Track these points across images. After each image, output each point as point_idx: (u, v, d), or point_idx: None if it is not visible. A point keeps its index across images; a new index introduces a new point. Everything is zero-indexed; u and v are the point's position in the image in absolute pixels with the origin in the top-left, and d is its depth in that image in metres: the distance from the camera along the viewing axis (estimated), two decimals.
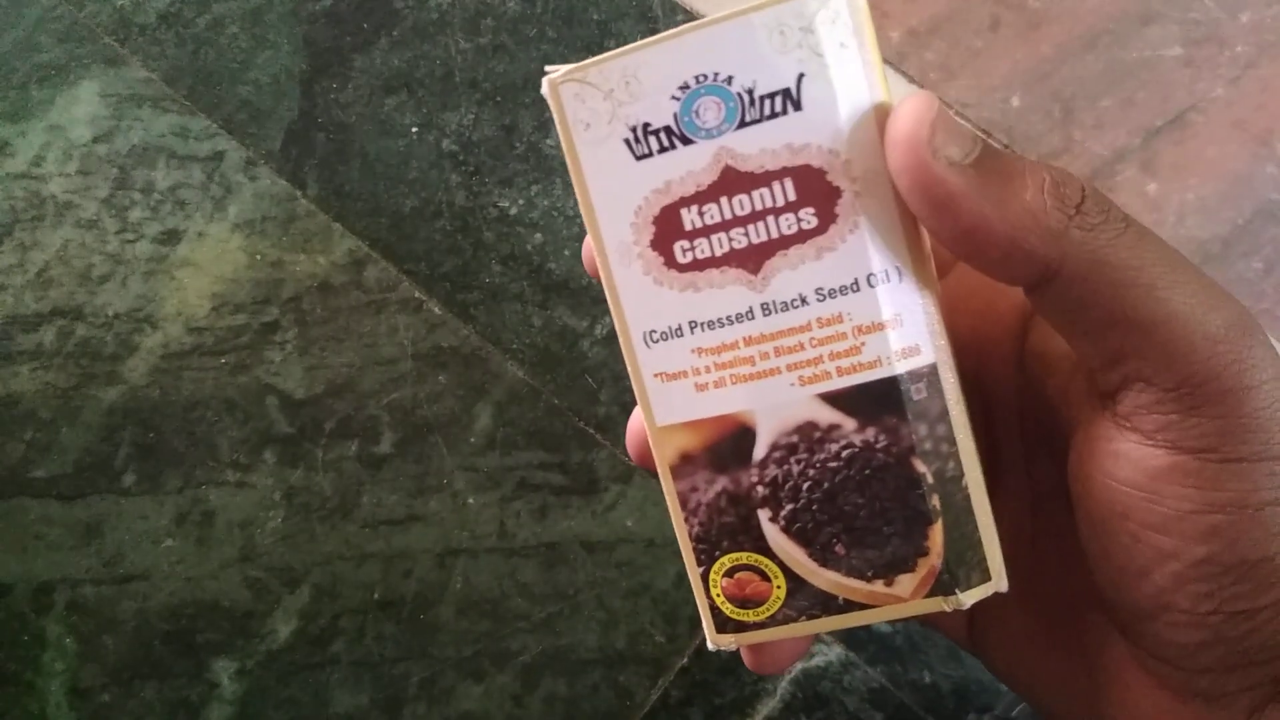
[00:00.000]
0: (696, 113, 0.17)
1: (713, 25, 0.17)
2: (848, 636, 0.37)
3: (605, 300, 0.41)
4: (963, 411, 0.18)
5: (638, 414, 0.20)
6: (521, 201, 0.42)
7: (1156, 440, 0.17)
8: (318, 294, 0.41)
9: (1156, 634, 0.18)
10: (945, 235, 0.17)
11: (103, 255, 0.42)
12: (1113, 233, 0.16)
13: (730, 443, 0.18)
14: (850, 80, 0.17)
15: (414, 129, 0.43)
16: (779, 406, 0.17)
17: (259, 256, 0.41)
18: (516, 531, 0.38)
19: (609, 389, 0.40)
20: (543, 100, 0.42)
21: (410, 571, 0.38)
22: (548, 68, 0.18)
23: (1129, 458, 0.17)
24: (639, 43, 0.17)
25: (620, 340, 0.18)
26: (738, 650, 0.20)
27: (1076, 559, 0.20)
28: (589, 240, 0.19)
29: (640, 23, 0.42)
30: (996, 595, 0.20)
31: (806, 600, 0.18)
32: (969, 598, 0.18)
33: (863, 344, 0.17)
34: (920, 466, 0.17)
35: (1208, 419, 0.16)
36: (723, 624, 0.18)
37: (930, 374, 0.17)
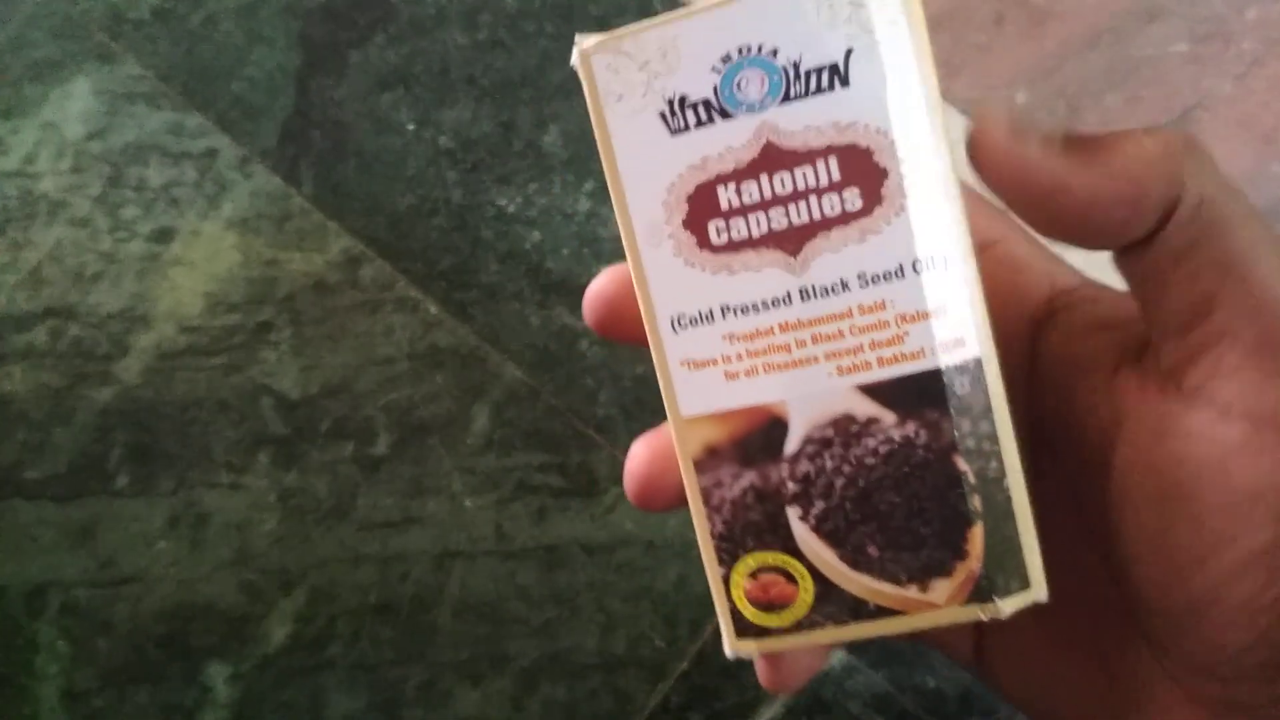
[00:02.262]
0: (738, 85, 0.16)
1: None
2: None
3: None
4: (1006, 408, 0.17)
5: (641, 451, 0.19)
6: (520, 199, 0.41)
7: (1232, 412, 0.16)
8: (313, 293, 0.41)
9: (1198, 635, 0.17)
10: (1060, 219, 0.17)
11: (96, 254, 0.41)
12: (1219, 178, 0.17)
13: (760, 435, 0.17)
14: (900, 59, 0.16)
15: (411, 126, 0.42)
16: (814, 397, 0.16)
17: (253, 255, 0.41)
18: (515, 534, 0.38)
19: (608, 390, 0.39)
20: (540, 97, 0.41)
21: (407, 574, 0.38)
22: (579, 36, 0.17)
23: (1199, 434, 0.17)
24: (676, 12, 0.17)
25: (645, 326, 0.17)
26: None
27: (1094, 570, 0.19)
28: (595, 284, 0.18)
29: (640, 17, 0.41)
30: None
31: (835, 605, 0.17)
32: (1008, 606, 0.16)
33: (906, 333, 0.16)
34: (962, 465, 0.16)
35: None
36: (744, 629, 0.17)
37: (975, 368, 0.17)
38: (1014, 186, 0.17)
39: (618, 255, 0.41)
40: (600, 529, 0.38)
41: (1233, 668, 0.17)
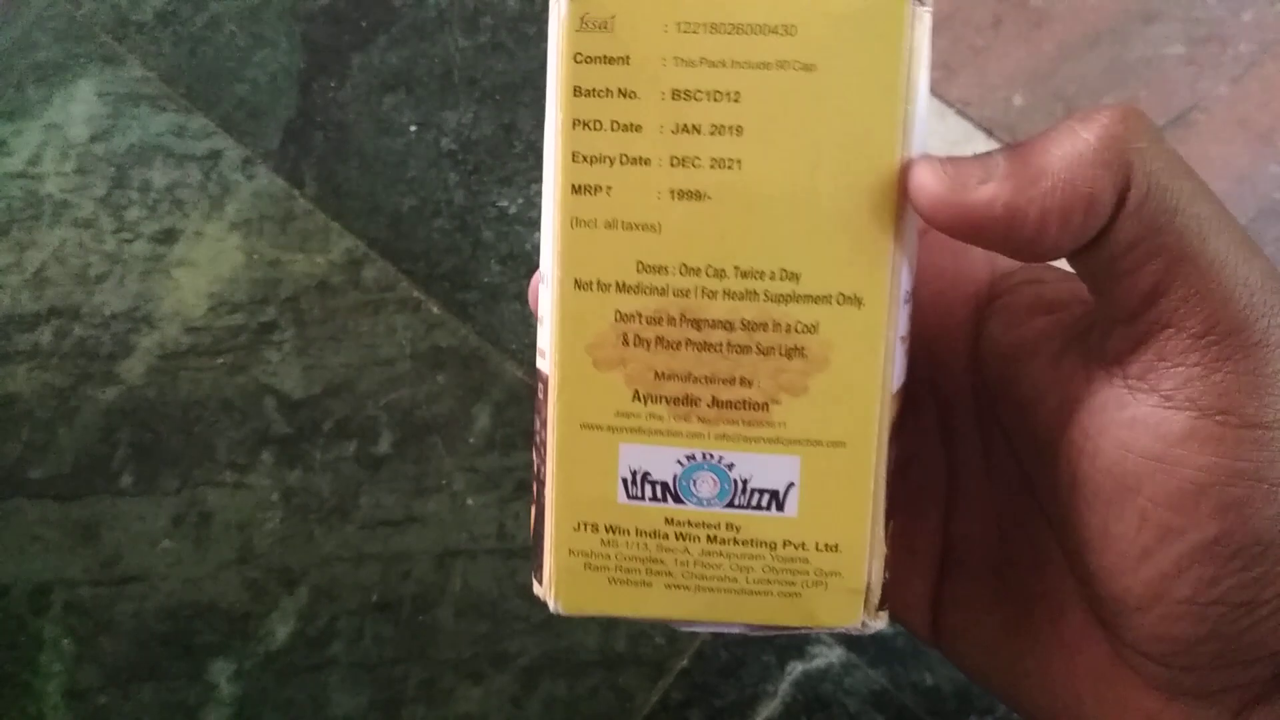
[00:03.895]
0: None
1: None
2: (850, 638, 0.37)
3: None
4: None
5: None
6: (520, 200, 0.42)
7: (1176, 400, 0.16)
8: (316, 294, 0.41)
9: (1148, 627, 0.17)
10: (1020, 244, 0.17)
11: (100, 255, 0.42)
12: (1165, 156, 0.16)
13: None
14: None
15: (412, 128, 0.42)
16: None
17: (256, 256, 0.41)
18: (516, 532, 0.38)
19: None
20: (542, 99, 0.42)
21: (409, 573, 0.38)
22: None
23: (1145, 423, 0.17)
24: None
25: (881, 298, 0.18)
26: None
27: (1050, 554, 0.19)
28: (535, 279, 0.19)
29: None
30: (968, 594, 0.21)
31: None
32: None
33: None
34: None
35: (1232, 374, 0.16)
36: (883, 600, 0.19)
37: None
38: (970, 232, 0.17)
39: None
40: None
41: (1182, 658, 0.17)
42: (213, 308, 0.41)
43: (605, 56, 0.19)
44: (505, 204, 0.42)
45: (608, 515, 0.19)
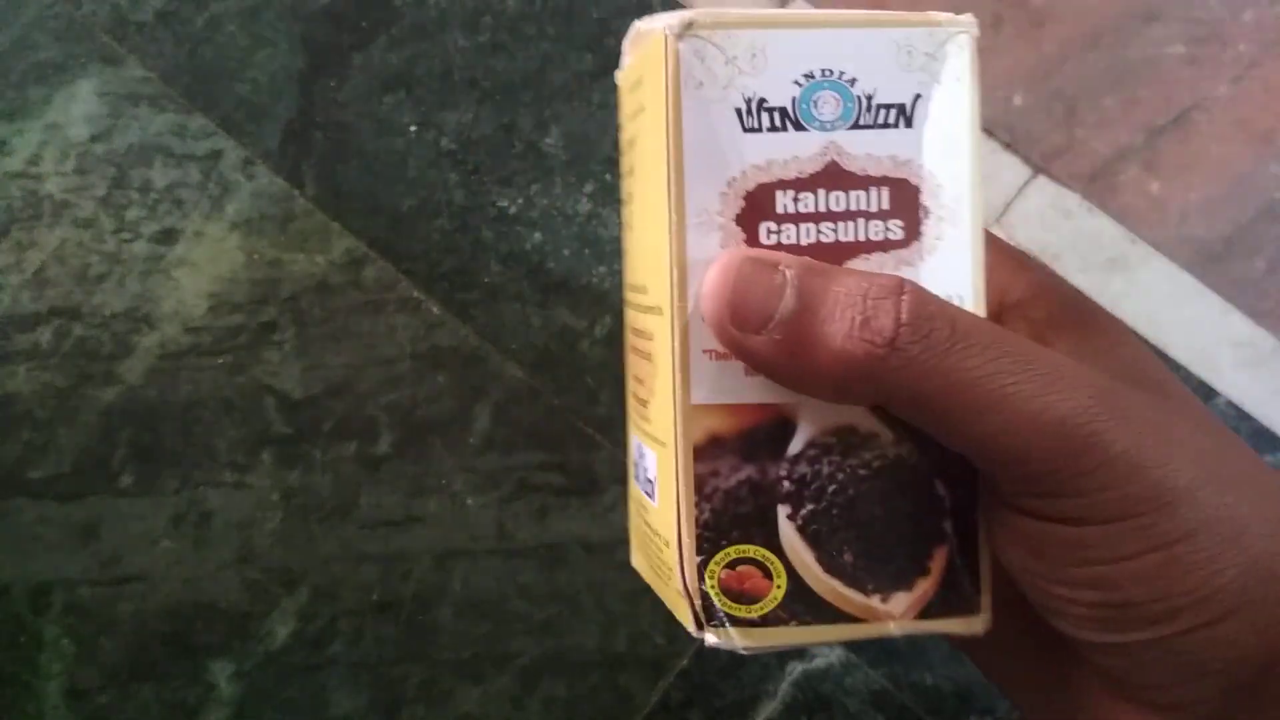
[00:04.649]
0: (815, 103, 0.17)
1: (848, 27, 0.17)
2: None
3: (605, 300, 0.40)
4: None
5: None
6: (521, 200, 0.42)
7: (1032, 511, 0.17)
8: (316, 294, 0.41)
9: (1093, 659, 0.18)
10: (782, 384, 0.17)
11: (100, 255, 0.42)
12: (933, 352, 0.16)
13: (766, 433, 0.17)
14: (958, 112, 0.18)
15: (412, 128, 0.42)
16: (825, 406, 0.17)
17: (256, 256, 0.41)
18: (516, 532, 0.38)
19: (608, 390, 0.39)
20: (542, 99, 0.42)
21: (409, 573, 0.38)
22: (655, 18, 0.18)
23: (1014, 528, 0.17)
24: (764, 14, 0.18)
25: (672, 311, 0.18)
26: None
27: None
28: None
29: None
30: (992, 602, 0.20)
31: (802, 605, 0.18)
32: (953, 626, 0.18)
33: None
34: (942, 489, 0.18)
35: (1070, 498, 0.16)
36: (712, 616, 0.18)
37: None
38: (737, 356, 0.17)
39: (619, 256, 0.41)
40: (601, 528, 0.38)
41: (1137, 678, 0.18)
42: (213, 308, 0.41)
43: (634, 111, 0.21)
44: (505, 204, 0.42)
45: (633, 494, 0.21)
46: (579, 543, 0.38)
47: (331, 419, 0.40)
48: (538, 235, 0.41)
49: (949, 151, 0.18)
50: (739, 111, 0.17)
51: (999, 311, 0.20)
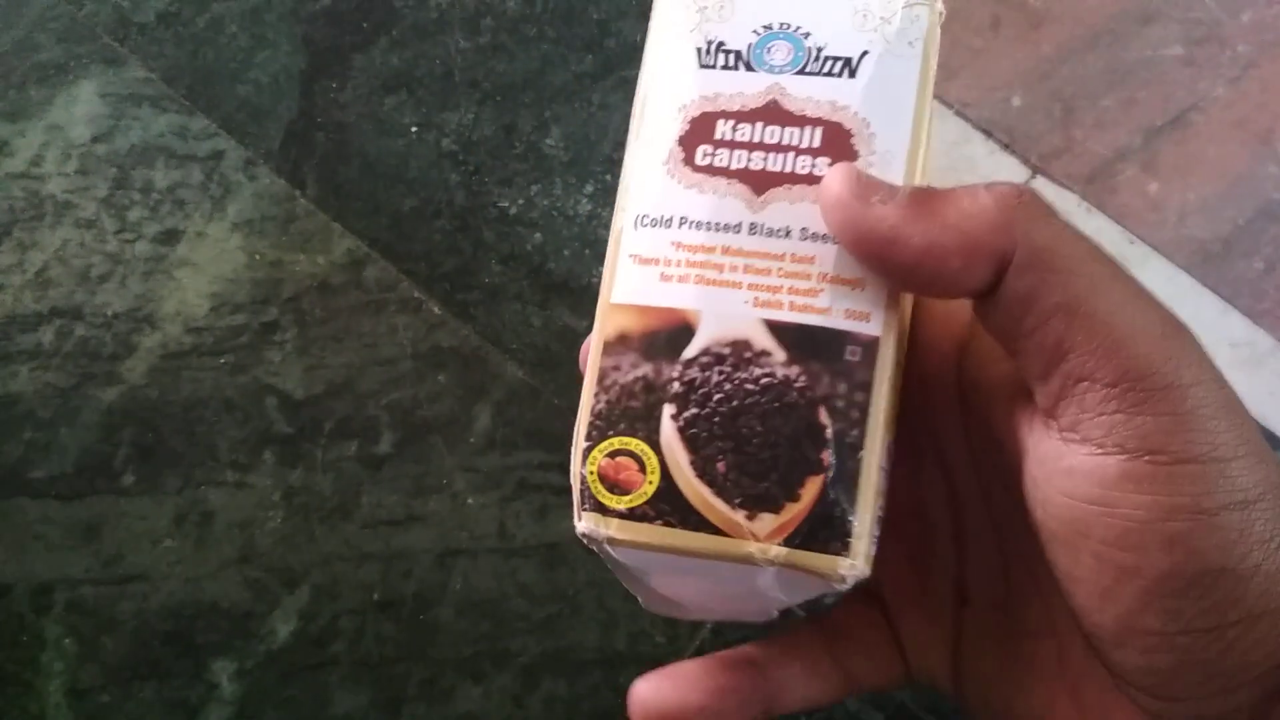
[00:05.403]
0: (768, 49, 0.19)
1: None
2: None
3: None
4: (886, 397, 0.18)
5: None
6: (521, 201, 0.42)
7: (1106, 447, 0.17)
8: (317, 294, 0.41)
9: (1130, 660, 0.18)
10: (900, 269, 0.18)
11: (102, 255, 0.42)
12: (1056, 226, 0.17)
13: (667, 335, 0.19)
14: (903, 73, 0.19)
15: (413, 128, 0.43)
16: (725, 317, 0.18)
17: (258, 256, 0.41)
18: (516, 532, 0.38)
19: None
20: (542, 100, 0.42)
21: (410, 572, 0.38)
22: None
23: (1081, 471, 0.17)
24: None
25: (614, 220, 0.20)
26: (609, 552, 0.19)
27: (1051, 586, 0.19)
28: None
29: (641, 21, 0.42)
30: (976, 632, 0.21)
31: (669, 505, 0.18)
32: (817, 562, 0.17)
33: (821, 290, 0.18)
34: (824, 419, 0.18)
35: (1152, 416, 0.16)
36: (586, 502, 0.19)
37: (870, 345, 0.18)
38: (855, 239, 0.18)
39: None
40: None
41: (1167, 689, 0.18)
42: (214, 308, 0.41)
43: None
44: (506, 204, 0.42)
45: None
46: (579, 542, 0.38)
47: (333, 419, 0.40)
48: (538, 236, 0.41)
49: (890, 107, 0.19)
50: (699, 50, 0.19)
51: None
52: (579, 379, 0.20)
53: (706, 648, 0.37)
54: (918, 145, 0.19)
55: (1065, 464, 0.17)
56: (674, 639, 0.37)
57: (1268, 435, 0.39)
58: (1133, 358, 0.16)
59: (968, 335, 0.21)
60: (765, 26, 0.19)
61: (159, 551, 0.39)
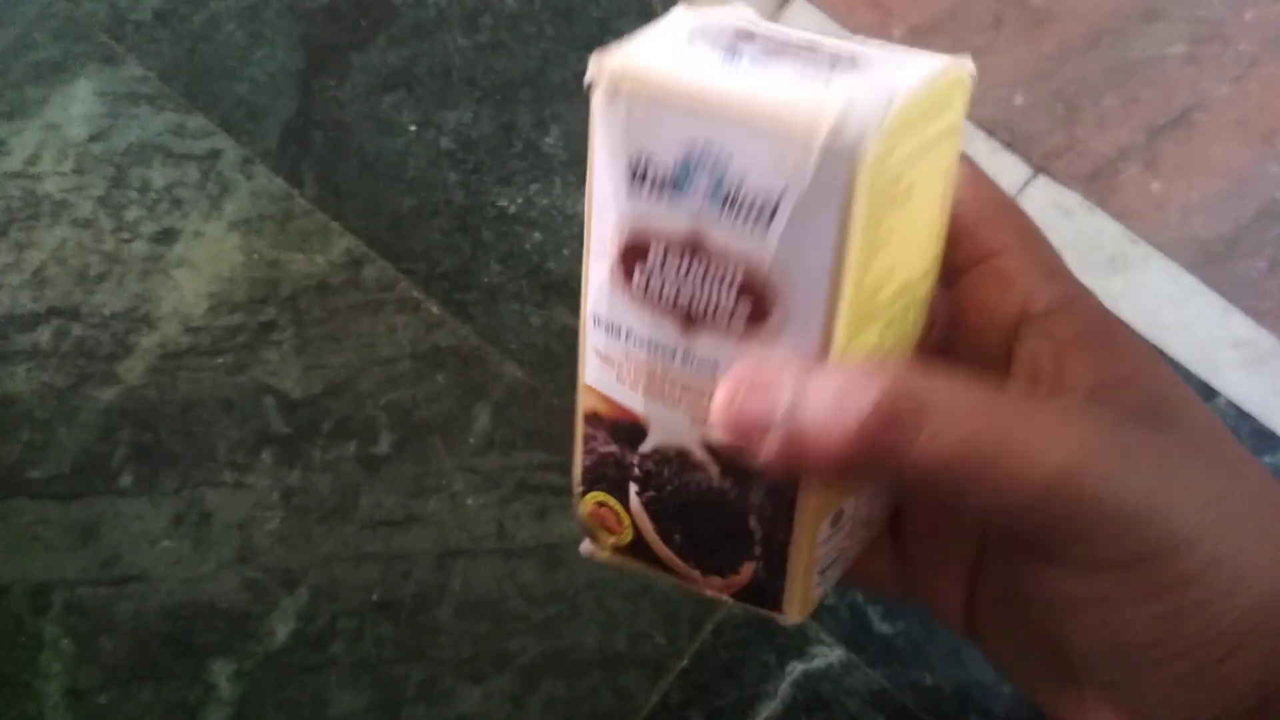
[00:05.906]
0: (691, 178, 0.18)
1: (736, 113, 0.18)
2: (850, 638, 0.37)
3: None
4: (807, 504, 0.20)
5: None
6: (520, 200, 0.42)
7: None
8: (315, 293, 0.41)
9: (1101, 687, 0.19)
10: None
11: (99, 254, 0.42)
12: (907, 435, 0.17)
13: (627, 428, 0.21)
14: (823, 221, 0.17)
15: (412, 127, 0.42)
16: (669, 428, 0.20)
17: (256, 256, 0.41)
18: (516, 532, 0.38)
19: None
20: (541, 98, 0.42)
21: (409, 573, 0.38)
22: (597, 57, 0.19)
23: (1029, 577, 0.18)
24: (672, 79, 0.18)
25: (582, 287, 0.21)
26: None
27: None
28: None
29: (641, 20, 0.41)
30: (994, 594, 0.22)
31: (643, 552, 0.22)
32: (759, 611, 0.21)
33: None
34: (753, 525, 0.20)
35: (1071, 557, 0.17)
36: (583, 531, 0.22)
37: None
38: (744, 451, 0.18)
39: None
40: None
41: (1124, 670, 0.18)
42: (212, 307, 0.41)
43: None
44: (505, 204, 0.42)
45: None
46: (579, 543, 0.38)
47: (331, 419, 0.40)
48: (537, 235, 0.41)
49: (807, 261, 0.18)
50: (630, 163, 0.19)
51: (1020, 318, 0.20)
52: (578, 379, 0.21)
53: (707, 647, 0.37)
54: (836, 302, 0.18)
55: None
56: (674, 639, 0.37)
57: (1268, 435, 0.39)
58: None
59: (1015, 335, 0.21)
60: (690, 147, 0.18)
61: (157, 552, 0.39)
